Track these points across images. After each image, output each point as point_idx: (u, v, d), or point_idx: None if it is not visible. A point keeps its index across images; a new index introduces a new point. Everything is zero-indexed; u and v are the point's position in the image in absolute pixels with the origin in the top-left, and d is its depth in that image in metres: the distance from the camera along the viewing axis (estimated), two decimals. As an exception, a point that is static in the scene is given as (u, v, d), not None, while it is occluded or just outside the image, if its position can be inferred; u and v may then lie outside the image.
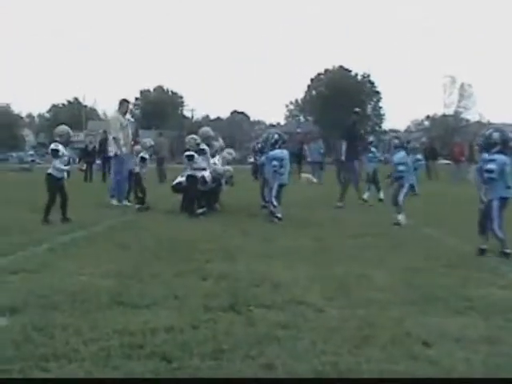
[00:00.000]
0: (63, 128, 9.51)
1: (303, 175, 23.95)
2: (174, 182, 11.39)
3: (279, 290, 4.86)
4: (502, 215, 6.63)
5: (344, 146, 13.17)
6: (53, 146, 9.25)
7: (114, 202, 12.16)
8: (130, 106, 13.05)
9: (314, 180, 23.42)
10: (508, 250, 6.53)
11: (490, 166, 6.60)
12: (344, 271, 5.66)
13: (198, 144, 10.85)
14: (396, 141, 10.19)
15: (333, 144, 29.76)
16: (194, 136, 11.11)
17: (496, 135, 6.63)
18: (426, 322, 4.05)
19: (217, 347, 3.46)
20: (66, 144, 9.39)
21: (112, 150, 12.37)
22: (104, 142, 21.55)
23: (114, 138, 12.29)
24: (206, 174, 10.83)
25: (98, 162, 24.67)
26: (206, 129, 12.08)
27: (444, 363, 3.29)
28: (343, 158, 13.21)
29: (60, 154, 9.16)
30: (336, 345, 3.55)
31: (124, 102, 12.91)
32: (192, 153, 10.67)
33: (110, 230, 8.51)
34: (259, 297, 4.61)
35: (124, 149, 12.23)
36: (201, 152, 10.79)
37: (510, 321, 4.13)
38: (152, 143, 12.56)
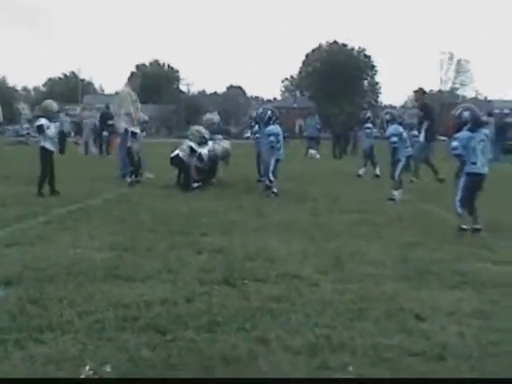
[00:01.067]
0: (47, 103, 9.50)
1: (311, 151, 23.89)
2: (172, 155, 11.34)
3: (274, 264, 4.87)
4: (471, 191, 6.56)
5: (425, 126, 13.15)
6: (37, 122, 9.28)
7: (129, 179, 11.70)
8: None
9: (318, 156, 23.39)
10: (465, 226, 6.47)
11: (453, 143, 6.64)
12: (339, 246, 5.67)
13: (203, 137, 10.95)
14: (387, 116, 10.14)
15: (329, 119, 29.68)
16: (200, 129, 11.18)
17: (466, 114, 6.63)
18: (419, 296, 4.07)
19: (211, 320, 3.46)
20: (51, 118, 9.29)
21: (123, 125, 11.98)
22: (106, 117, 21.14)
23: (127, 114, 11.93)
24: (204, 151, 10.85)
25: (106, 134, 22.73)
26: (210, 116, 12.14)
27: (437, 337, 3.30)
28: (422, 138, 13.13)
29: (45, 127, 9.10)
30: (330, 318, 3.55)
31: (134, 76, 12.72)
32: (193, 144, 10.71)
33: (105, 204, 8.48)
34: (254, 270, 4.62)
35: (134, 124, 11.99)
36: (203, 142, 10.99)
37: (503, 295, 4.14)
38: (146, 118, 12.42)
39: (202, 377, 2.76)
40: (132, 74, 12.56)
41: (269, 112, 10.41)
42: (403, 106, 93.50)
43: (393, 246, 5.72)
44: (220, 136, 12.51)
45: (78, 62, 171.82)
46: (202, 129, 11.36)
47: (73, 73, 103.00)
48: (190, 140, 10.99)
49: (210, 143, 11.36)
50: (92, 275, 4.38)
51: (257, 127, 12.19)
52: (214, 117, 12.60)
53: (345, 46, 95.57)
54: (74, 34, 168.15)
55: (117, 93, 12.39)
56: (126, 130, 11.79)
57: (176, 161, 10.93)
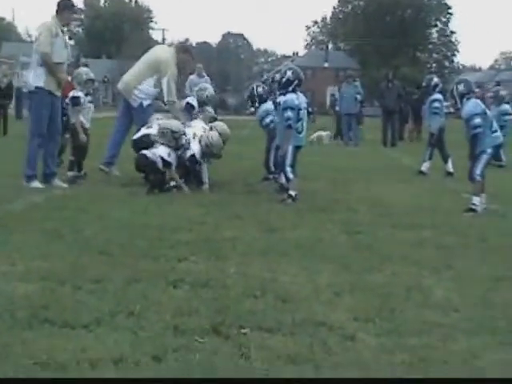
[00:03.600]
0: None
1: (321, 133, 24.03)
2: (136, 136, 11.35)
3: (288, 305, 4.86)
4: None
5: None
6: None
7: (35, 183, 11.54)
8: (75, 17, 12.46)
9: (327, 141, 23.50)
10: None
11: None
12: (388, 280, 5.67)
13: (178, 132, 10.71)
14: (461, 86, 10.09)
15: (377, 86, 29.67)
16: (170, 124, 10.98)
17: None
18: (509, 359, 4.05)
19: (191, 391, 3.46)
20: None
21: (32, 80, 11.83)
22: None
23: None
24: (195, 149, 10.72)
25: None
26: (196, 80, 12.21)
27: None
28: None
29: None
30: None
31: (67, 5, 12.11)
32: (164, 153, 10.49)
33: (32, 210, 8.50)
34: (257, 314, 4.61)
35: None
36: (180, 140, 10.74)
37: None
38: (91, 76, 12.36)
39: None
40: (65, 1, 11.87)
41: (289, 72, 10.38)
42: (492, 68, 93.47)
43: (469, 282, 5.71)
44: (210, 110, 12.50)
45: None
46: (171, 121, 11.05)
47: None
48: (158, 142, 10.69)
49: (196, 131, 11.07)
50: (10, 319, 4.37)
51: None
52: (202, 81, 12.59)
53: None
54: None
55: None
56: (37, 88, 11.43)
57: (143, 143, 10.89)
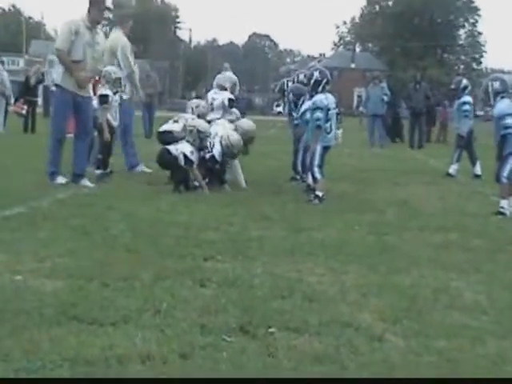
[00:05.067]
0: None
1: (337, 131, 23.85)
2: (162, 129, 11.39)
3: (315, 305, 4.86)
4: None
5: None
6: None
7: (59, 179, 11.58)
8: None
9: (339, 138, 23.14)
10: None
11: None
12: (415, 281, 5.65)
13: (203, 132, 10.69)
14: (497, 84, 10.01)
15: (405, 88, 29.53)
16: (195, 123, 10.95)
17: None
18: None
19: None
20: None
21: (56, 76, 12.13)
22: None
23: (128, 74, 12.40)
24: (216, 149, 10.72)
25: None
26: (224, 79, 12.20)
27: None
28: None
29: None
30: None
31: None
32: (187, 151, 10.52)
33: (59, 207, 8.53)
34: (284, 314, 4.60)
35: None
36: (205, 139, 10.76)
37: None
38: (120, 74, 12.48)
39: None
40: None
41: (316, 73, 10.38)
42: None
43: (498, 285, 5.68)
44: (236, 112, 12.49)
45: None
46: (198, 121, 11.04)
47: (14, 7, 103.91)
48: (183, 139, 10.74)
49: (218, 131, 11.06)
50: (38, 315, 4.38)
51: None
52: (230, 79, 12.59)
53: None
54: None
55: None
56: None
57: (169, 138, 10.89)
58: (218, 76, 13.21)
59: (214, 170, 10.96)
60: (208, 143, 10.64)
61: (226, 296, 4.99)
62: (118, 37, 12.73)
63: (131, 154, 12.92)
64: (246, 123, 11.75)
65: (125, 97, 12.46)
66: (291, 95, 12.37)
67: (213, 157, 10.71)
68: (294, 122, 12.24)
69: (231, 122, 11.64)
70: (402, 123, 26.91)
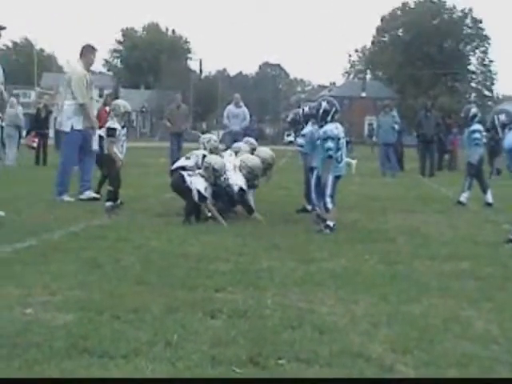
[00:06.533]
0: None
1: (350, 160, 23.73)
2: (175, 166, 11.43)
3: (325, 336, 4.85)
4: None
5: None
6: None
7: (66, 197, 12.38)
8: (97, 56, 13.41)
9: (353, 164, 22.78)
10: None
11: None
12: (426, 311, 5.63)
13: (217, 170, 10.62)
14: (503, 117, 10.04)
15: (416, 116, 29.56)
16: (212, 160, 10.99)
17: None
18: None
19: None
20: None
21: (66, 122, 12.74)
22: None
23: (80, 105, 12.62)
24: (240, 181, 10.74)
25: None
26: (235, 110, 12.26)
27: None
28: None
29: None
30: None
31: (89, 49, 13.15)
32: (201, 187, 10.57)
33: (71, 240, 8.57)
34: (294, 345, 4.60)
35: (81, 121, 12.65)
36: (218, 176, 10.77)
37: None
38: (128, 108, 12.54)
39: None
40: (87, 45, 12.91)
41: (324, 103, 10.42)
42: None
43: (510, 314, 5.64)
44: (253, 141, 12.52)
45: (35, 26, 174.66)
46: (214, 158, 11.04)
47: (26, 40, 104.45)
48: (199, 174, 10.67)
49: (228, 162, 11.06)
50: (49, 348, 4.39)
51: (307, 128, 12.11)
52: (240, 110, 12.67)
53: (442, 2, 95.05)
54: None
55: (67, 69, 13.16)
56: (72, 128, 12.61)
57: (180, 185, 10.84)
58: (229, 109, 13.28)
59: (240, 202, 10.99)
60: (223, 179, 10.70)
61: (237, 327, 5.00)
62: (75, 68, 13.14)
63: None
64: (264, 151, 11.87)
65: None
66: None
67: (241, 189, 10.77)
68: (304, 152, 12.25)
69: (250, 151, 11.75)
70: (403, 150, 26.83)
